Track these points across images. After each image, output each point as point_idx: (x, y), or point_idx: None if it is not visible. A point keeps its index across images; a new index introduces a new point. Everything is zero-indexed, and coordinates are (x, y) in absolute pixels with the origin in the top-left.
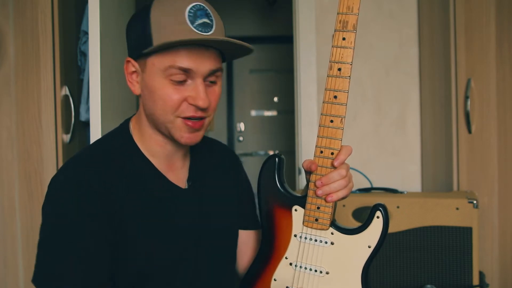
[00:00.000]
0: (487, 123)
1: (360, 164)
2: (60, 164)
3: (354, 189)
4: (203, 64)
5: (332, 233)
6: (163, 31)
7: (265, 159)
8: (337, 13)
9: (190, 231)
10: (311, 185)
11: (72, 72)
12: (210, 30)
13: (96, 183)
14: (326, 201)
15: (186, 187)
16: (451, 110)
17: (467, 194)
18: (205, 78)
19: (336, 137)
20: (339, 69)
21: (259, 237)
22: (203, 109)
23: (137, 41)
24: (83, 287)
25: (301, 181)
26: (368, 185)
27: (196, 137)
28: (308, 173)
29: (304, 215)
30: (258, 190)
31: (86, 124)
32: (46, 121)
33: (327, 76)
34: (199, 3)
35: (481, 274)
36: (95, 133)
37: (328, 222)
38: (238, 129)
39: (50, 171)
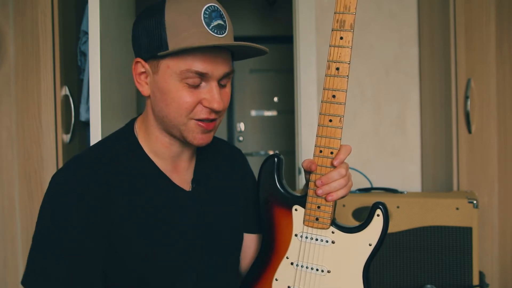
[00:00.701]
0: (487, 123)
1: (360, 164)
2: (60, 164)
3: (354, 189)
4: (218, 67)
5: (332, 232)
6: (180, 34)
7: (264, 159)
8: (334, 13)
9: (193, 233)
10: (311, 185)
11: (72, 72)
12: (225, 32)
13: (96, 186)
14: (326, 200)
15: (190, 189)
16: (451, 110)
17: (467, 194)
18: (218, 81)
19: (335, 136)
20: (337, 69)
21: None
22: (217, 112)
23: (150, 43)
24: None
25: (301, 181)
26: (368, 185)
27: (208, 138)
28: (308, 172)
29: (305, 214)
30: (257, 190)
31: (86, 124)
32: (46, 121)
33: (325, 76)
34: (213, 4)
35: (481, 274)
36: (95, 133)
37: (329, 221)
38: (238, 129)
39: (50, 171)
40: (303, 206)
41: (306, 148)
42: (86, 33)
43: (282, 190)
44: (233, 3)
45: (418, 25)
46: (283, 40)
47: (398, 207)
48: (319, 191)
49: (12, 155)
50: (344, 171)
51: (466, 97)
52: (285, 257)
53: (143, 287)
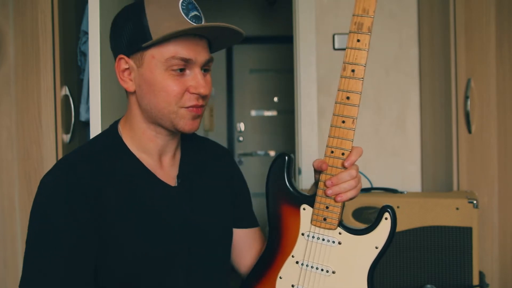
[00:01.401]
0: (487, 123)
1: (360, 164)
2: None
3: None
4: (200, 54)
5: (340, 233)
6: (162, 24)
7: (274, 158)
8: (353, 15)
9: (181, 229)
10: (321, 185)
11: (72, 72)
12: (201, 22)
13: (84, 185)
14: (335, 201)
15: (176, 184)
16: (451, 110)
17: (467, 194)
18: (201, 67)
19: (347, 138)
20: (353, 71)
21: (258, 235)
22: (203, 97)
23: (133, 37)
24: None
25: (301, 181)
26: (368, 185)
27: (197, 124)
28: (318, 172)
29: (313, 214)
30: (266, 188)
31: (86, 124)
32: (46, 121)
33: (341, 77)
34: None
35: (481, 274)
36: (95, 133)
37: (337, 222)
38: (238, 129)
39: None
40: (312, 205)
41: (306, 148)
42: (86, 33)
43: (291, 189)
44: (233, 3)
45: (418, 25)
46: (283, 40)
47: (398, 207)
48: (329, 192)
49: (12, 155)
50: (355, 173)
51: (466, 97)
52: (290, 255)
53: (134, 284)
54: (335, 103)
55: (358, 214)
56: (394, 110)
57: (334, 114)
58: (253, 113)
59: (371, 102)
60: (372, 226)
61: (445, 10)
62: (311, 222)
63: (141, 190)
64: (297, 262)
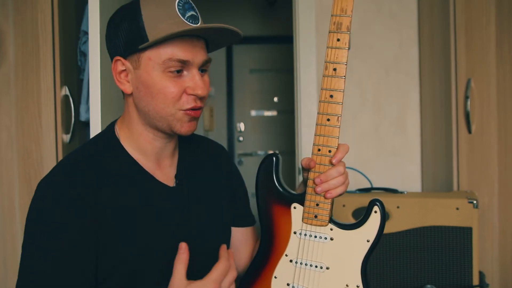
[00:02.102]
0: (487, 123)
1: (360, 164)
2: None
3: (354, 189)
4: (197, 55)
5: (331, 229)
6: (158, 25)
7: (262, 159)
8: (331, 15)
9: (179, 229)
10: (310, 183)
11: (72, 72)
12: (198, 22)
13: (81, 187)
14: (325, 197)
15: (174, 185)
16: (451, 110)
17: (467, 194)
18: (199, 68)
19: (333, 135)
20: (334, 69)
21: (255, 234)
22: (201, 98)
23: (129, 38)
24: None
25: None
26: (368, 185)
27: (194, 126)
28: (306, 170)
29: (304, 212)
30: (256, 189)
31: (86, 124)
32: (46, 121)
33: (323, 76)
34: None
35: (481, 274)
36: (95, 133)
37: (327, 218)
38: (238, 129)
39: None
40: (302, 204)
41: (306, 148)
42: (86, 33)
43: (280, 189)
44: (233, 3)
45: (418, 26)
46: (283, 40)
47: (398, 207)
48: (319, 189)
49: (12, 155)
50: (342, 169)
51: (466, 97)
52: (284, 254)
53: (133, 284)
54: (319, 101)
55: (358, 214)
56: (394, 110)
57: (318, 113)
58: (253, 113)
59: (371, 102)
60: (362, 220)
61: (445, 10)
62: (302, 220)
63: (138, 191)
64: (291, 261)
